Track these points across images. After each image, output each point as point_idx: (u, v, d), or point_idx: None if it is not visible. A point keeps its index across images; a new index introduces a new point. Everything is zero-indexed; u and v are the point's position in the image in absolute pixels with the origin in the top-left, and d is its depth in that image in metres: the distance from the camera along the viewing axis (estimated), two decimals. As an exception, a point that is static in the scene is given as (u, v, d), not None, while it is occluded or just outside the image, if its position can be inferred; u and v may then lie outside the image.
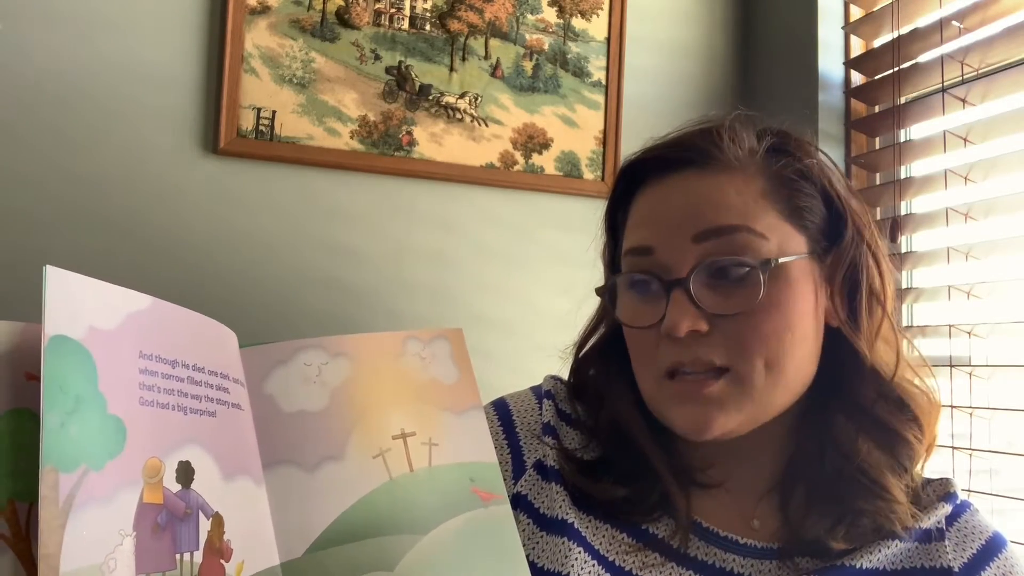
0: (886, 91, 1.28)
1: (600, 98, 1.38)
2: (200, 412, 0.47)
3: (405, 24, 1.28)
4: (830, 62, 1.34)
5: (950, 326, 1.13)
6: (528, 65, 1.35)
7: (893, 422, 0.67)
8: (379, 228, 1.26)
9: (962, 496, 0.71)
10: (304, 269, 1.22)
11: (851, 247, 0.67)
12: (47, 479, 0.37)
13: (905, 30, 1.24)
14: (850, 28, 1.34)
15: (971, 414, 1.10)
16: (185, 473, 0.44)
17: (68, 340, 0.40)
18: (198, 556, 0.44)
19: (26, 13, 1.09)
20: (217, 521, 0.45)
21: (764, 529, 0.68)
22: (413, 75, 1.28)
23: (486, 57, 1.32)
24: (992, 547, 0.69)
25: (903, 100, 1.26)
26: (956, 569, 0.66)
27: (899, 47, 1.24)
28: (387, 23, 1.27)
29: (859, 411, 0.67)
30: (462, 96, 1.30)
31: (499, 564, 0.52)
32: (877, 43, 1.34)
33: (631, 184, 0.71)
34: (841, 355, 0.68)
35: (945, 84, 1.17)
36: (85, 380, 0.40)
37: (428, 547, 0.51)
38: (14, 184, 1.08)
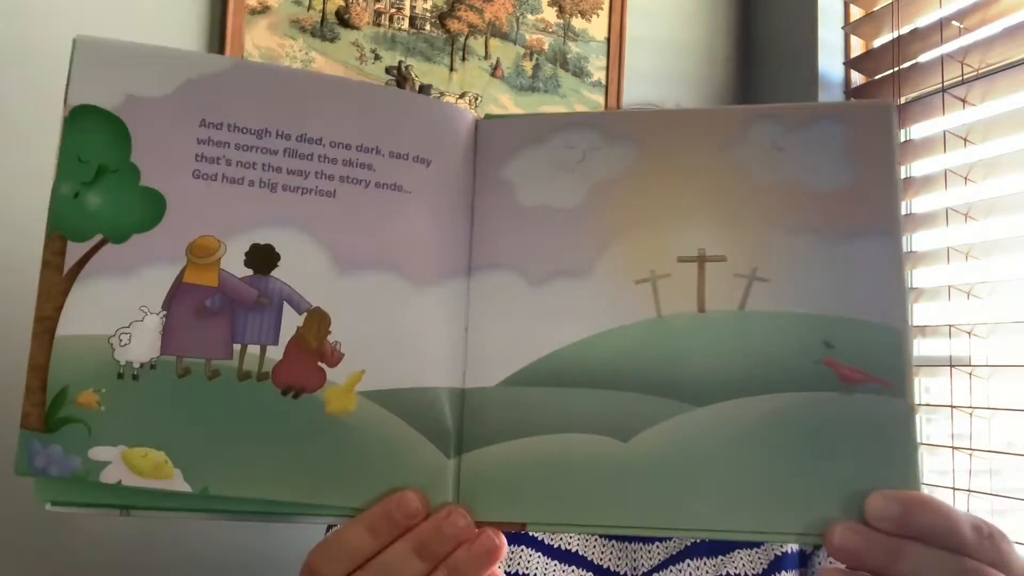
0: (886, 91, 1.28)
1: (600, 98, 1.38)
2: (303, 190, 0.41)
3: (405, 24, 1.28)
4: (830, 62, 1.34)
5: (950, 326, 1.13)
6: (528, 65, 1.35)
7: None
8: (379, 228, 1.26)
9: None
10: (304, 269, 1.21)
11: None
12: (52, 245, 0.38)
13: (905, 30, 1.24)
14: (850, 28, 1.34)
15: (971, 414, 1.10)
16: (261, 257, 0.40)
17: (94, 110, 0.39)
18: (275, 352, 0.39)
19: (26, 13, 1.09)
20: (317, 317, 0.40)
21: None
22: (413, 75, 1.28)
23: (486, 57, 1.32)
24: None
25: (903, 100, 1.26)
26: None
27: (899, 47, 1.24)
28: (387, 23, 1.27)
29: None
30: (462, 96, 1.30)
31: (851, 488, 0.35)
32: (877, 43, 1.34)
33: None
34: None
35: (945, 84, 1.17)
36: (113, 150, 0.39)
37: (697, 427, 0.36)
38: (14, 184, 1.08)
